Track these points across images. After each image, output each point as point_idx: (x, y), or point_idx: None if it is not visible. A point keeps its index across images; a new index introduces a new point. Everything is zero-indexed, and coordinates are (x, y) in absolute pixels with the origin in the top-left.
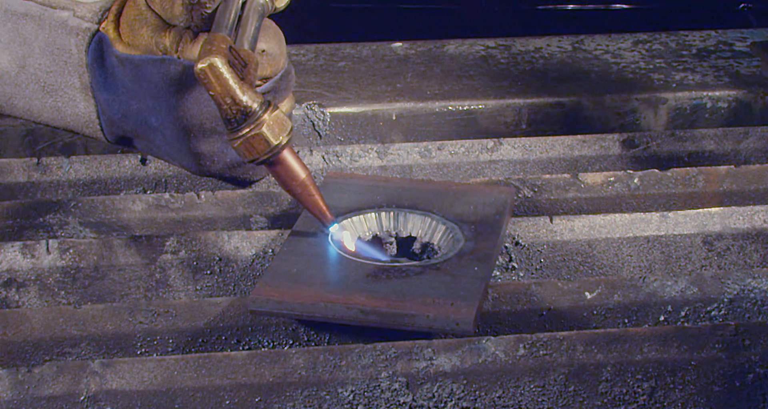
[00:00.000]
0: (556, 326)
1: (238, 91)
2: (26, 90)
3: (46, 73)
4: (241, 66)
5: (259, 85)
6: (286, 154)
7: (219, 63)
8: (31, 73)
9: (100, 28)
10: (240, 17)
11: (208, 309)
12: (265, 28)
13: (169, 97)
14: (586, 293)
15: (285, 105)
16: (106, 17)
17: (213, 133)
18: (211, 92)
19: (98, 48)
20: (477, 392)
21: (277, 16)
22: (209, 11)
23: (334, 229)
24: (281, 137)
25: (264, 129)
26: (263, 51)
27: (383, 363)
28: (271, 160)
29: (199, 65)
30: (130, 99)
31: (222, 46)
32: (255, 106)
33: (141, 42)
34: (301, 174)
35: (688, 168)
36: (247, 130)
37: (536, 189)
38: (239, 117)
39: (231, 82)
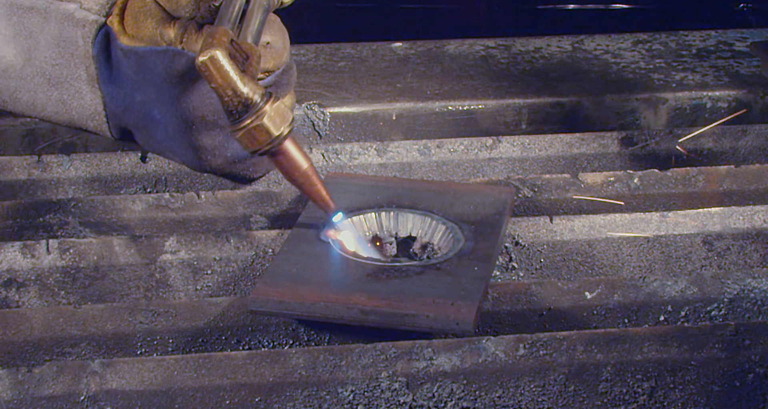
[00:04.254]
0: (556, 326)
1: (239, 83)
2: (31, 83)
3: (51, 66)
4: (242, 59)
5: (261, 79)
6: (288, 145)
7: (220, 55)
8: (37, 66)
9: (107, 22)
10: (245, 11)
11: (208, 309)
12: (270, 22)
13: (172, 89)
14: (586, 293)
15: (286, 101)
16: (112, 11)
17: (215, 126)
18: (212, 84)
19: (104, 41)
20: (477, 392)
21: (279, 15)
22: (217, 3)
23: (337, 218)
24: (282, 128)
25: (265, 120)
26: (267, 43)
27: (383, 363)
28: (273, 151)
29: (201, 58)
30: (134, 91)
31: (223, 39)
32: (256, 97)
33: (145, 33)
34: (304, 164)
35: (688, 168)
36: (249, 121)
37: (536, 189)
38: (240, 109)
39: (232, 74)
